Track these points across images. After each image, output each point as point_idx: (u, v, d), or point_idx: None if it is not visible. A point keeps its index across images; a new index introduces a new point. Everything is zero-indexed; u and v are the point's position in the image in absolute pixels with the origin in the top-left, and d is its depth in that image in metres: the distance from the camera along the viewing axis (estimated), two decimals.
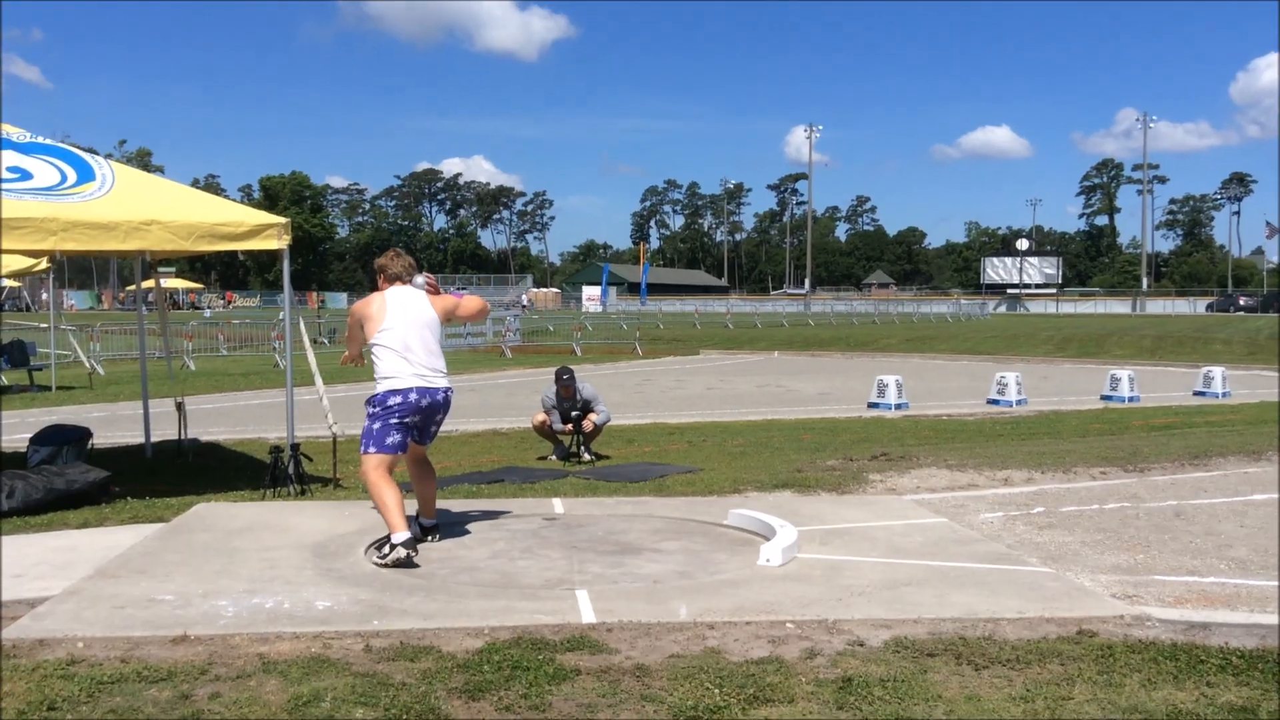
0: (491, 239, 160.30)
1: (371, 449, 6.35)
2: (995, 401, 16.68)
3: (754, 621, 4.97)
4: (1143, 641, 4.70)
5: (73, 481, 7.87)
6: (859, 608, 5.17)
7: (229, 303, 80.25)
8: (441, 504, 7.78)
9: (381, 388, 6.41)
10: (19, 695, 3.97)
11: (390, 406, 6.37)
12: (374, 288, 6.90)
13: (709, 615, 5.04)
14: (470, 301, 7.14)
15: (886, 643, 4.68)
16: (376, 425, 6.38)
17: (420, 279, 6.81)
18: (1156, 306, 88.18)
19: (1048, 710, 3.93)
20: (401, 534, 6.10)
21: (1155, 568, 6.11)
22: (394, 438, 6.37)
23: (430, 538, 6.63)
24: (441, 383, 6.54)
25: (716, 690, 4.07)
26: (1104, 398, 17.57)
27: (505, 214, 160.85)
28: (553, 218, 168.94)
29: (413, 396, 6.39)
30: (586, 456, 10.39)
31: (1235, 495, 8.23)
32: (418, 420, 6.51)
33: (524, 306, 62.35)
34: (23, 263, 15.89)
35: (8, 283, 41.96)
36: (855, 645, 4.65)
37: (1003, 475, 9.02)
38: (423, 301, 6.63)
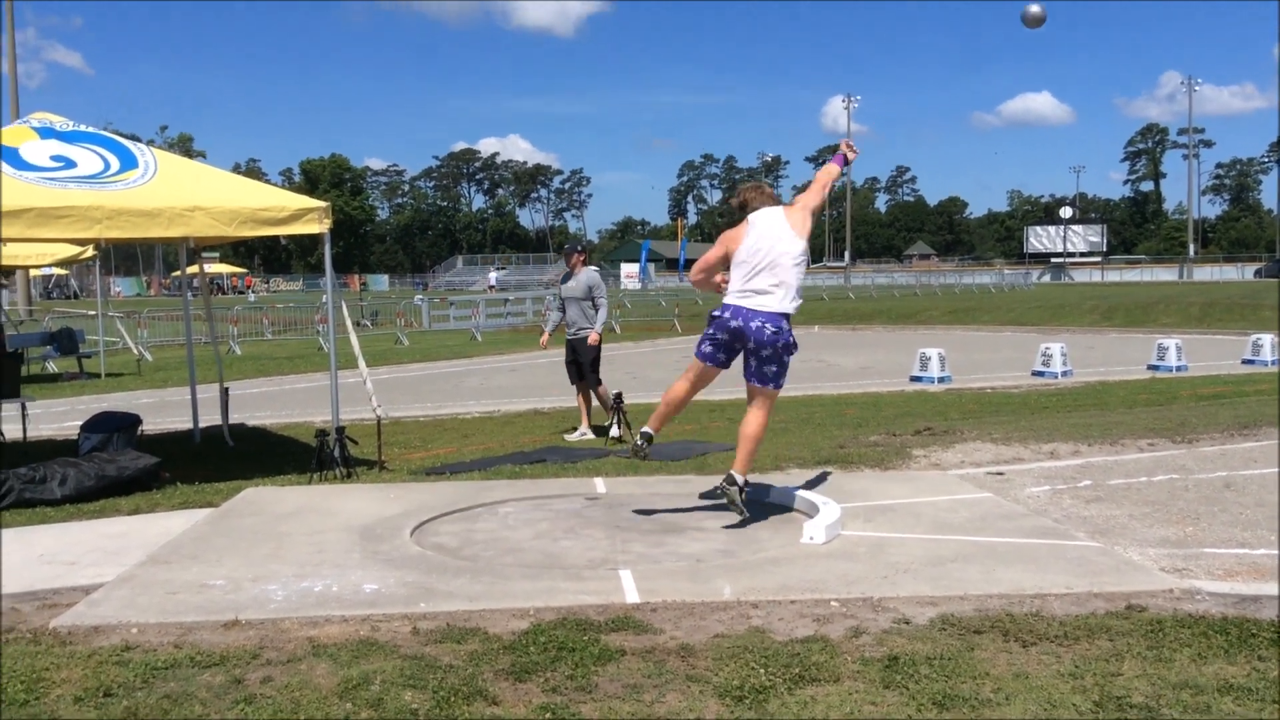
0: (530, 218, 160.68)
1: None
2: (1040, 373, 16.53)
3: (798, 600, 4.96)
4: (1193, 616, 4.65)
5: (124, 468, 7.99)
6: (904, 585, 5.15)
7: (249, 287, 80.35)
8: (484, 485, 7.86)
9: None
10: (75, 682, 4.04)
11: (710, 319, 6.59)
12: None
13: (753, 594, 5.04)
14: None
15: (933, 620, 4.66)
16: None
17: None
18: (1204, 273, 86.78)
19: (1097, 686, 3.90)
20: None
21: (1205, 540, 6.04)
22: (705, 347, 6.54)
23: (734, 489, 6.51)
24: (765, 306, 6.43)
25: (762, 670, 4.07)
26: (1151, 367, 17.36)
27: (543, 192, 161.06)
28: (590, 195, 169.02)
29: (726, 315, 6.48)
30: (614, 432, 10.40)
31: None
32: (725, 340, 6.50)
33: (490, 287, 62.61)
34: (69, 251, 16.15)
35: (55, 270, 42.60)
36: (901, 623, 4.64)
37: (1049, 448, 8.94)
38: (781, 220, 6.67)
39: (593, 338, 10.66)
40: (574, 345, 10.77)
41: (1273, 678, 3.95)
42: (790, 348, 6.48)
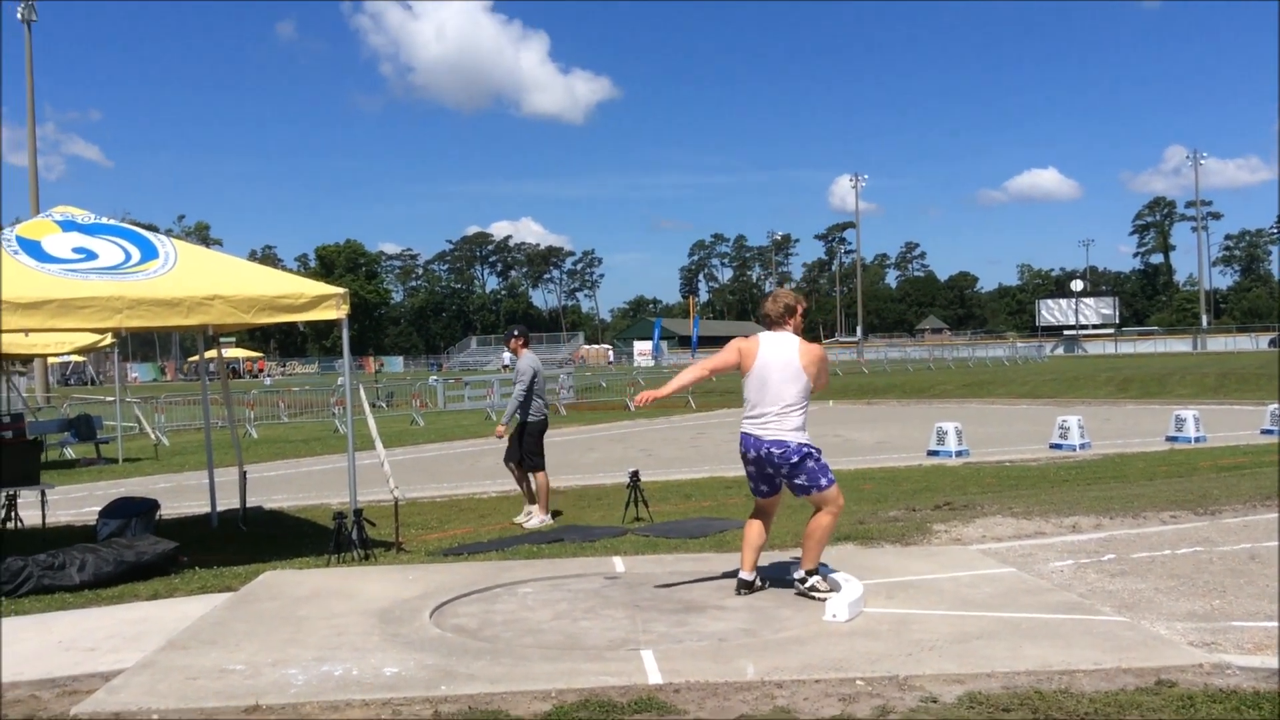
0: (543, 298, 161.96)
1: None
2: (1058, 446, 16.44)
3: (823, 679, 4.91)
4: (1224, 690, 4.58)
5: (142, 553, 7.99)
6: (930, 662, 5.10)
7: (261, 370, 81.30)
8: (502, 565, 7.84)
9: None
10: None
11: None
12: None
13: (777, 674, 4.99)
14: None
15: (960, 698, 4.60)
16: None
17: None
18: (1218, 344, 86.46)
19: None
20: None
21: (1232, 613, 5.96)
22: (751, 483, 6.76)
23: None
24: (769, 434, 6.54)
25: None
26: (1169, 439, 17.25)
27: (555, 273, 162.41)
28: (602, 275, 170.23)
29: (741, 446, 6.71)
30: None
31: None
32: (753, 471, 6.70)
33: (567, 362, 63.13)
34: (88, 338, 16.29)
35: (73, 358, 43.00)
36: (928, 701, 4.58)
37: (1070, 522, 8.87)
38: (787, 346, 6.67)
39: (499, 430, 10.61)
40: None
41: None
42: (805, 458, 6.50)
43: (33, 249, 8.08)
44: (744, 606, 6.45)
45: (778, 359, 6.54)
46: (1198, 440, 16.89)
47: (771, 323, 6.74)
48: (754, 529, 6.84)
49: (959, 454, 15.69)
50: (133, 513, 9.36)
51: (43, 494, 11.00)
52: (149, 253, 8.57)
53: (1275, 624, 5.72)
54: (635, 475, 10.52)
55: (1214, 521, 8.77)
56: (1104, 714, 4.34)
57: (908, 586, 6.75)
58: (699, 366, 7.12)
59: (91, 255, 8.30)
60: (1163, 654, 5.13)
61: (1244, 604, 6.16)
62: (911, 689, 4.76)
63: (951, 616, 5.96)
